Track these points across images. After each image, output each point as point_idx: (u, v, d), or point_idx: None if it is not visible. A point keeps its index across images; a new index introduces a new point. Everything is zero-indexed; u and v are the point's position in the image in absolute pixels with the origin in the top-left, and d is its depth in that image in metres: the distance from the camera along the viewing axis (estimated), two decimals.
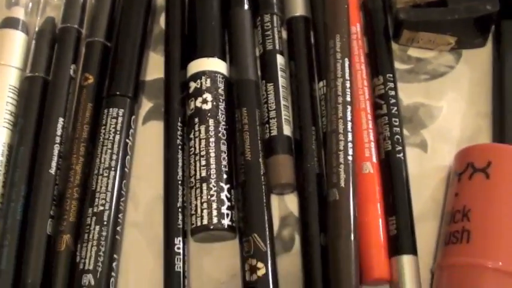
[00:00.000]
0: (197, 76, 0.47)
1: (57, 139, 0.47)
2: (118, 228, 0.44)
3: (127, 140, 0.46)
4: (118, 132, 0.46)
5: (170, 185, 0.45)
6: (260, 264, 0.42)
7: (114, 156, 0.45)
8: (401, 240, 0.44)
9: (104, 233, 0.43)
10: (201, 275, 0.45)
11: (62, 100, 0.48)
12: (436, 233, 0.45)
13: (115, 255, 0.44)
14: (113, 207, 0.44)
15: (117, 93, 0.48)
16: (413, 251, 0.44)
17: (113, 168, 0.45)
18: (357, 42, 0.50)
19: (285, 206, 0.47)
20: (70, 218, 0.44)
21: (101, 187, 0.44)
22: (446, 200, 0.45)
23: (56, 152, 0.46)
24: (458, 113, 0.50)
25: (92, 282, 0.42)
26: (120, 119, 0.46)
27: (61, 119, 0.47)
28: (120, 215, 0.45)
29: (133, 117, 0.48)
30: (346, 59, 0.46)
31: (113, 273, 0.43)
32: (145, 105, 0.50)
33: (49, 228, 0.44)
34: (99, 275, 0.42)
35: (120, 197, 0.45)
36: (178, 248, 0.43)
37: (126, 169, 0.46)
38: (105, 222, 0.43)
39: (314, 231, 0.43)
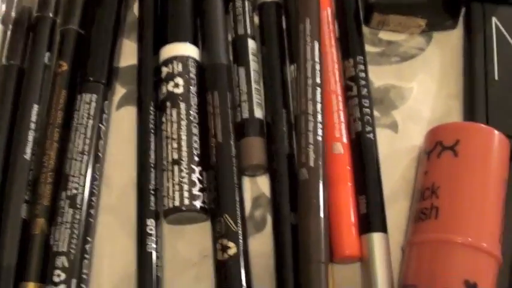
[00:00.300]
0: (169, 61, 0.48)
1: (32, 125, 0.47)
2: (91, 211, 0.45)
3: (100, 125, 0.47)
4: (91, 117, 0.47)
5: (143, 168, 0.46)
6: (231, 244, 0.43)
7: (87, 141, 0.46)
8: (371, 218, 0.44)
9: (78, 216, 0.44)
10: (175, 257, 0.45)
11: (37, 87, 0.49)
12: (407, 211, 0.46)
13: (88, 238, 0.44)
14: (86, 191, 0.45)
15: (91, 79, 0.48)
16: (384, 228, 0.44)
17: (86, 153, 0.45)
18: (328, 26, 0.50)
19: (257, 187, 0.47)
20: (44, 202, 0.45)
21: (74, 171, 0.45)
22: (416, 178, 0.46)
23: (30, 138, 0.47)
24: (428, 95, 0.50)
25: (66, 264, 0.42)
26: (93, 105, 0.47)
27: (36, 106, 0.48)
28: (93, 198, 0.45)
29: (106, 102, 0.48)
30: (316, 42, 0.47)
31: (86, 255, 0.44)
32: (119, 91, 0.51)
33: (24, 212, 0.45)
34: (73, 257, 0.43)
35: (93, 181, 0.45)
36: (151, 230, 0.44)
37: (99, 153, 0.47)
38: (78, 206, 0.44)
39: (285, 211, 0.44)
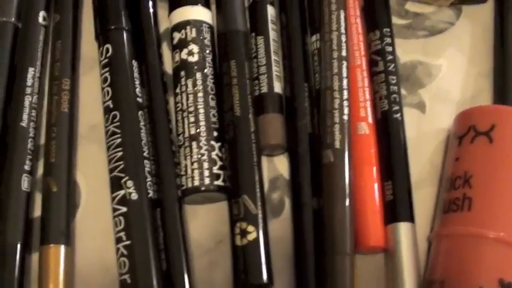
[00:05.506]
0: (181, 26, 0.47)
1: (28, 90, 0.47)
2: None
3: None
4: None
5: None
6: (251, 228, 0.42)
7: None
8: (398, 207, 0.44)
9: None
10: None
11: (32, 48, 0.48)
12: (434, 199, 0.46)
13: None
14: None
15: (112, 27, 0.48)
16: (411, 218, 0.44)
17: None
18: None
19: (274, 167, 0.47)
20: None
21: None
22: (445, 165, 0.46)
23: (27, 103, 0.46)
24: (458, 72, 0.50)
25: None
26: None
27: (31, 69, 0.47)
28: None
29: None
30: (342, 11, 0.47)
31: None
32: None
33: (26, 184, 0.44)
34: None
35: None
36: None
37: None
38: None
39: (306, 195, 0.44)
